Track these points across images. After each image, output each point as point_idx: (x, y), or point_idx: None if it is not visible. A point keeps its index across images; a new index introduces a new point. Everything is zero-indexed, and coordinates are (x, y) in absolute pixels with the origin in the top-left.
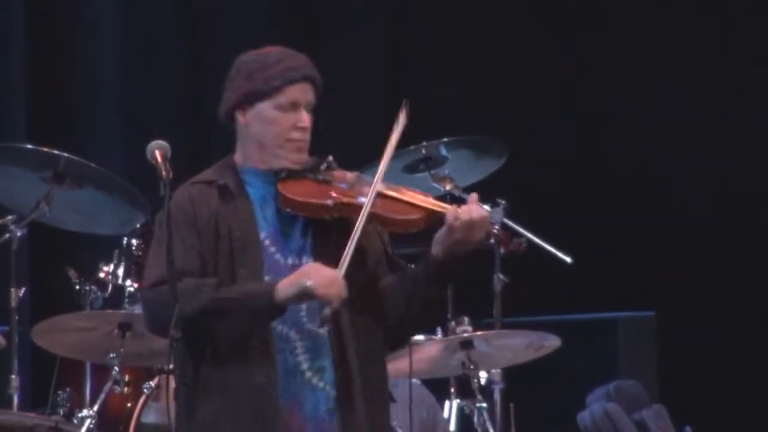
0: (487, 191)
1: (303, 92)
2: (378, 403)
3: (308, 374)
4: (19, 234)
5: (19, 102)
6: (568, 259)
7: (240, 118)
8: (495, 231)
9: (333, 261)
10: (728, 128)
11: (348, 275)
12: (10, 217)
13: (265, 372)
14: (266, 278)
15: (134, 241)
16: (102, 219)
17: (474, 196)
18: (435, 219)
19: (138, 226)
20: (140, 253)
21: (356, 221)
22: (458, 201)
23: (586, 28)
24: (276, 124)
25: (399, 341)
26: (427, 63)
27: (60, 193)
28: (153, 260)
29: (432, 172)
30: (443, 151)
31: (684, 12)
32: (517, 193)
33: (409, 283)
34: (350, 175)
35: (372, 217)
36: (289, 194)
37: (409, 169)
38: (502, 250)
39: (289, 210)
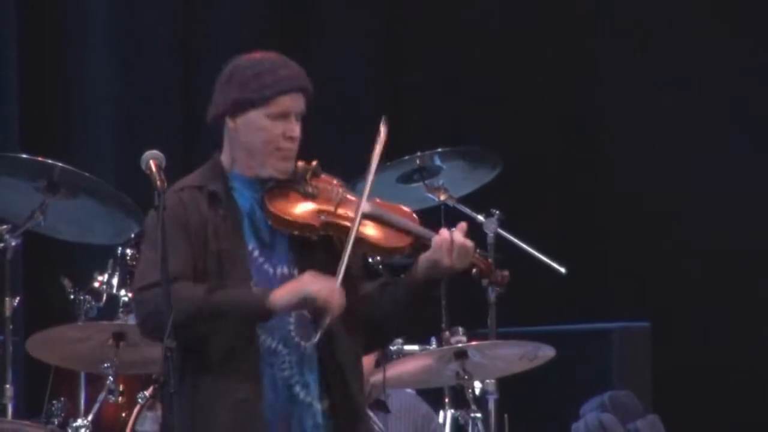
0: (481, 202)
1: (294, 102)
2: (361, 414)
3: (296, 389)
4: (13, 244)
5: (13, 112)
6: (563, 270)
7: (230, 123)
8: (478, 262)
9: (320, 270)
10: (724, 138)
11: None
12: (4, 227)
13: (251, 387)
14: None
15: (128, 251)
16: (96, 229)
17: (462, 225)
18: (420, 245)
19: (132, 235)
20: (134, 263)
21: (341, 239)
22: (451, 215)
23: (583, 35)
24: (265, 133)
25: (374, 347)
26: (421, 72)
27: (54, 202)
28: (144, 263)
29: (426, 182)
30: (437, 162)
31: (679, 21)
32: (511, 203)
33: (388, 301)
34: (337, 188)
35: (358, 242)
36: (276, 211)
37: (404, 179)
38: (484, 281)
39: (275, 226)
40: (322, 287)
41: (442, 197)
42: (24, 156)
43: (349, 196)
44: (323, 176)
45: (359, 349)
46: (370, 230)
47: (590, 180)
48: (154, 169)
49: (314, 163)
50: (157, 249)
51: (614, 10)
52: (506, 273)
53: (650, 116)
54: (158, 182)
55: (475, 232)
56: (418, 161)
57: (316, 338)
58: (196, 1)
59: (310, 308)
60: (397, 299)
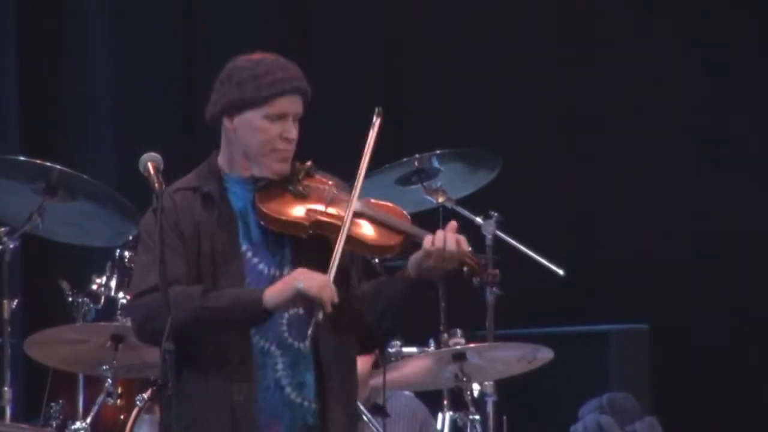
0: (479, 203)
1: (292, 104)
2: (353, 414)
3: (288, 390)
4: (11, 246)
5: (12, 114)
6: (561, 272)
7: (227, 123)
8: (469, 261)
9: (315, 270)
10: (721, 141)
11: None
12: (2, 229)
13: (244, 389)
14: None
15: (127, 253)
16: (94, 231)
17: (453, 224)
18: (411, 244)
19: (130, 238)
20: (132, 265)
21: (333, 239)
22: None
23: (581, 40)
24: (263, 134)
25: (371, 348)
26: (420, 74)
27: (52, 205)
28: (140, 268)
29: (425, 184)
30: (436, 164)
31: (675, 29)
32: (509, 205)
33: (383, 298)
34: (329, 188)
35: (348, 240)
36: (266, 209)
37: (402, 181)
38: (476, 280)
39: (265, 224)
40: (314, 281)
41: (441, 199)
42: (22, 158)
43: (341, 196)
44: (317, 176)
45: (353, 350)
46: (361, 229)
47: (589, 181)
48: (152, 171)
49: (309, 163)
50: (153, 252)
51: (614, 11)
52: (497, 271)
53: (650, 118)
54: (156, 184)
55: (473, 234)
56: (416, 163)
57: (309, 332)
58: (196, 3)
59: (303, 303)
60: (390, 298)
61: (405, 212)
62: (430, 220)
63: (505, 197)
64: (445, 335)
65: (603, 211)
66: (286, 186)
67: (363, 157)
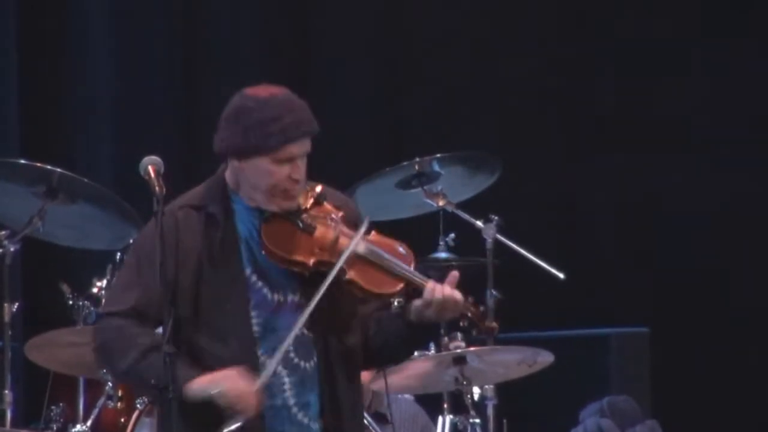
0: (480, 207)
1: (301, 147)
2: (359, 429)
3: (294, 410)
4: (12, 249)
5: (12, 114)
6: (561, 275)
7: (235, 162)
8: (468, 312)
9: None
10: (721, 141)
11: (330, 307)
12: (3, 233)
13: None
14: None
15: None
16: (95, 234)
17: (453, 276)
18: (412, 290)
19: (131, 241)
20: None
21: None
22: (450, 213)
23: (581, 40)
24: (271, 177)
25: (369, 368)
26: (420, 74)
27: (53, 208)
28: (120, 282)
29: (425, 187)
30: (436, 167)
31: (675, 29)
32: (510, 209)
33: (383, 332)
34: (336, 223)
35: (347, 283)
36: (271, 246)
37: (402, 184)
38: (474, 331)
39: (269, 259)
40: (231, 391)
41: (441, 203)
42: (23, 161)
43: (347, 232)
44: (326, 204)
45: (357, 366)
46: (361, 273)
47: (589, 186)
48: (152, 174)
49: (318, 189)
50: (139, 270)
51: (614, 11)
52: (495, 324)
53: (650, 121)
54: (157, 188)
55: (474, 238)
56: (416, 167)
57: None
58: (196, 3)
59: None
60: (391, 334)
61: (408, 254)
62: (431, 223)
63: (504, 199)
64: (446, 339)
65: (603, 211)
66: (292, 219)
67: (348, 247)
